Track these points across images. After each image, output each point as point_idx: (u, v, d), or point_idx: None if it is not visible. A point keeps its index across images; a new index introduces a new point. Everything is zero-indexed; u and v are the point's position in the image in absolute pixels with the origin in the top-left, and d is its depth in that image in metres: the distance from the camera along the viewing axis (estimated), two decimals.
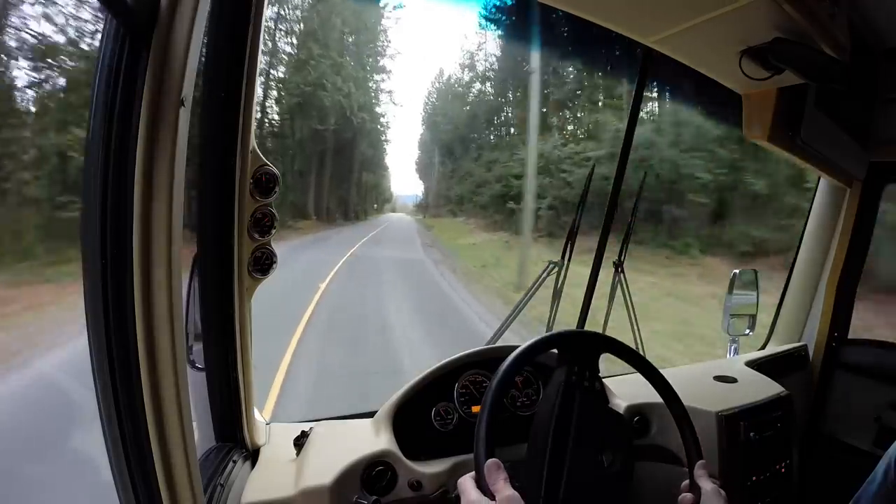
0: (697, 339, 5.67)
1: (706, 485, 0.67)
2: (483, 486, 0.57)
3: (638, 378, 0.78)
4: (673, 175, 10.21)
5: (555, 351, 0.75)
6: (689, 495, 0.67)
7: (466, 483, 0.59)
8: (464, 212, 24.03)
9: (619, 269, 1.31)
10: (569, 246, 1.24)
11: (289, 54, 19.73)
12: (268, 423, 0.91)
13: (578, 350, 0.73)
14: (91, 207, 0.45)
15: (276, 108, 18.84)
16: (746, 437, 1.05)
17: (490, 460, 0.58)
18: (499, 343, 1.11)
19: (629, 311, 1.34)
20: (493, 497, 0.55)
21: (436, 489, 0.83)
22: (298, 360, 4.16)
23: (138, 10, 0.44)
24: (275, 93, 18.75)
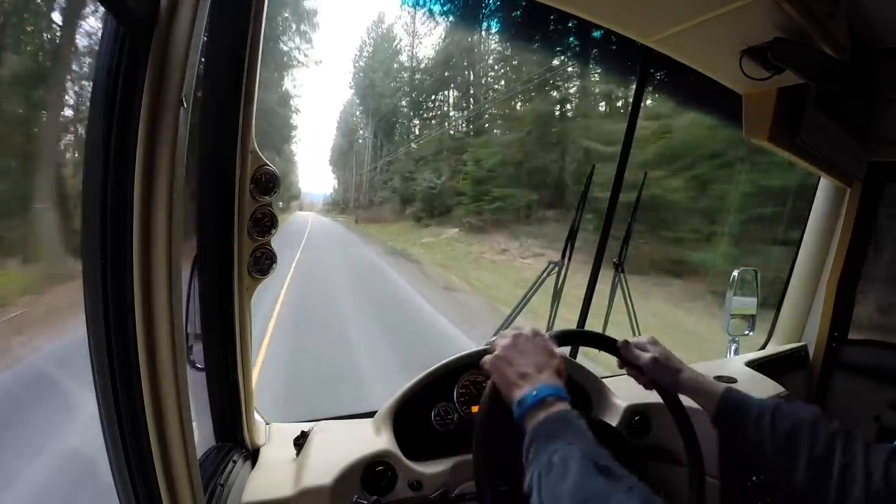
0: None
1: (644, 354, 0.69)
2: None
3: None
4: None
5: None
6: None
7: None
8: (452, 222, 14.62)
9: (619, 270, 1.31)
10: (569, 246, 1.24)
11: None
12: (268, 424, 0.92)
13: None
14: (91, 207, 0.45)
15: None
16: None
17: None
18: None
19: (629, 311, 1.34)
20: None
21: (436, 489, 0.83)
22: None
23: (138, 10, 0.44)
24: None
